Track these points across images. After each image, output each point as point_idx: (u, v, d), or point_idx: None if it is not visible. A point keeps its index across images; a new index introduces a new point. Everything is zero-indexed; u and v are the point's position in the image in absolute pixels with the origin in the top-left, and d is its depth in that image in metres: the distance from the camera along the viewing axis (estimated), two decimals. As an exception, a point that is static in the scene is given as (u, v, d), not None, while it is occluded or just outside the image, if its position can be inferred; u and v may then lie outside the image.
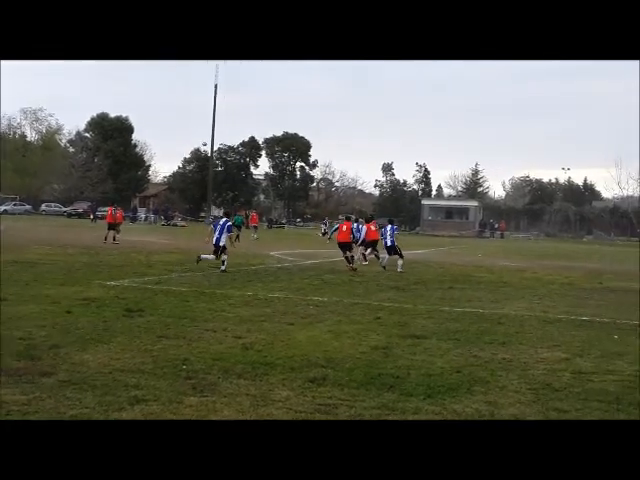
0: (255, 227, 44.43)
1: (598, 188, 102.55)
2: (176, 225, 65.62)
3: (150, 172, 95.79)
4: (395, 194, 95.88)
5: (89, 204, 70.07)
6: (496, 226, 78.49)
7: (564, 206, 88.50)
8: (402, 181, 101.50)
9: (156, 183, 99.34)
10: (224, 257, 18.95)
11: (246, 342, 8.86)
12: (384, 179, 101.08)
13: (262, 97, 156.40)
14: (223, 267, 18.61)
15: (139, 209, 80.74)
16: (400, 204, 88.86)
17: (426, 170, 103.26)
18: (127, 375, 6.96)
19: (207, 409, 5.93)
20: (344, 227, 22.26)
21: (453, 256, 28.51)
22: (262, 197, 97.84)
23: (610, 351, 9.21)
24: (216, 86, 78.87)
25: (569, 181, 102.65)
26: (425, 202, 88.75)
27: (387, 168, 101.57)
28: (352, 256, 21.62)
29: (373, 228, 23.17)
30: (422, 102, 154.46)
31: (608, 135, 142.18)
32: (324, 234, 44.29)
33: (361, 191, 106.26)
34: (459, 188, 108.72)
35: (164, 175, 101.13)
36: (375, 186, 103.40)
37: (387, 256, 22.02)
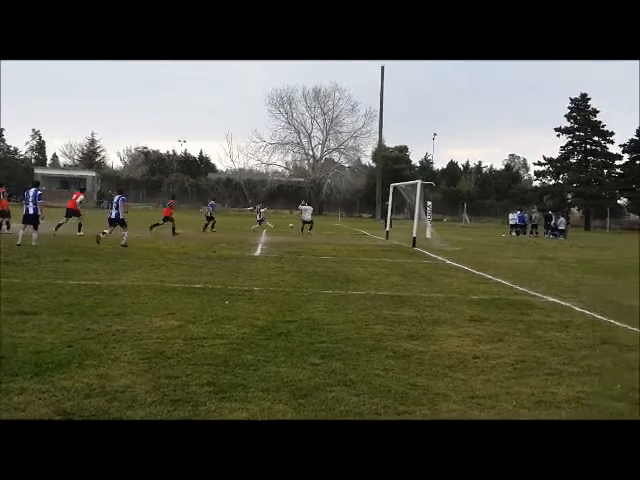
0: None
1: (213, 161, 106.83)
2: None
3: None
4: (5, 162, 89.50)
5: None
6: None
7: (181, 177, 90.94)
8: (13, 148, 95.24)
9: None
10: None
11: None
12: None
13: None
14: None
15: None
16: (11, 173, 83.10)
17: (41, 137, 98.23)
18: None
19: None
20: None
21: (68, 228, 27.45)
22: None
23: (220, 316, 9.68)
24: None
25: (186, 153, 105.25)
26: (38, 171, 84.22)
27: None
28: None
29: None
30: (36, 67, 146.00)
31: (220, 109, 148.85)
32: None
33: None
34: (76, 157, 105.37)
35: None
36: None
37: (108, 231, 22.14)
